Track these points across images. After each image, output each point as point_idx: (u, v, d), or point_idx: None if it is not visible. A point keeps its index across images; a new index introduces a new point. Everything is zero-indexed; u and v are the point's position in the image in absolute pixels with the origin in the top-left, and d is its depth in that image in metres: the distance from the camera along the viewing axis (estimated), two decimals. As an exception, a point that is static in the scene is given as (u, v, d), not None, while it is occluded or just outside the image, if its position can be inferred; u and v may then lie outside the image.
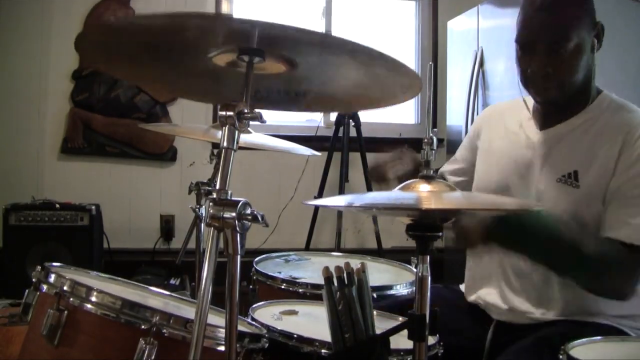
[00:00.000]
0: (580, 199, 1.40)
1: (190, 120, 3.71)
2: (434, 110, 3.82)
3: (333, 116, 3.73)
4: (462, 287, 1.69)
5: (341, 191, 3.44)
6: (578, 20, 1.38)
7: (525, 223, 1.27)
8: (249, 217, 0.96)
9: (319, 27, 3.88)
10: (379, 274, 1.89)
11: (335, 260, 1.71)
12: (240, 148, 1.09)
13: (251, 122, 1.01)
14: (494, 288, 1.53)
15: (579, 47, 1.38)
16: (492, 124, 1.67)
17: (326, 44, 1.00)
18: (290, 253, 2.09)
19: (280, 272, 1.80)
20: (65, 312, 1.09)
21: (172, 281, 3.27)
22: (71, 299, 1.10)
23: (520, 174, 1.51)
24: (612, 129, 1.41)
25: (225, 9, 3.79)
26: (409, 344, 1.01)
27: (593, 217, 1.39)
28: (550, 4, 1.38)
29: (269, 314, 1.42)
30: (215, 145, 3.14)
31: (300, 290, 1.65)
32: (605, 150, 1.39)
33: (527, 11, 1.42)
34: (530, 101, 1.57)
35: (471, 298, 1.59)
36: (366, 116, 3.62)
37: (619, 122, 1.41)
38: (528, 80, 1.44)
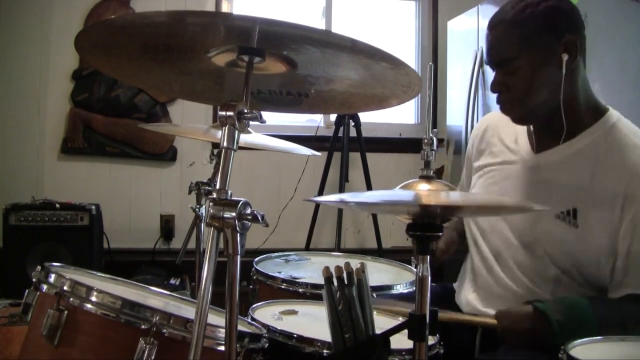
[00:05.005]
0: (579, 240, 1.36)
1: (190, 120, 3.72)
2: (434, 110, 3.82)
3: (333, 116, 3.73)
4: (455, 285, 1.69)
5: (341, 191, 3.44)
6: (528, 37, 1.35)
7: (570, 330, 1.26)
8: (249, 217, 0.96)
9: (319, 27, 3.88)
10: (379, 274, 1.89)
11: (335, 260, 1.71)
12: (240, 148, 1.09)
13: (251, 122, 1.01)
14: (490, 301, 1.53)
15: (532, 64, 1.36)
16: (489, 141, 1.62)
17: (327, 42, 1.00)
18: (290, 253, 2.09)
19: (280, 272, 1.80)
20: (65, 312, 1.09)
21: (172, 281, 3.27)
22: (71, 299, 1.10)
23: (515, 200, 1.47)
24: (614, 164, 1.34)
25: (225, 9, 3.79)
26: (409, 344, 1.01)
27: (591, 259, 1.36)
28: (501, 22, 1.39)
29: (269, 314, 1.42)
30: (215, 145, 3.14)
31: (300, 290, 1.65)
32: (606, 191, 1.33)
33: (486, 29, 1.43)
34: None
35: (460, 307, 1.59)
36: (366, 116, 3.62)
37: (622, 159, 1.34)
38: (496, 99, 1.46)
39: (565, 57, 1.35)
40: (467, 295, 1.57)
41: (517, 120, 1.46)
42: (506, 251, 1.48)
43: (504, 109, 1.45)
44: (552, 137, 1.43)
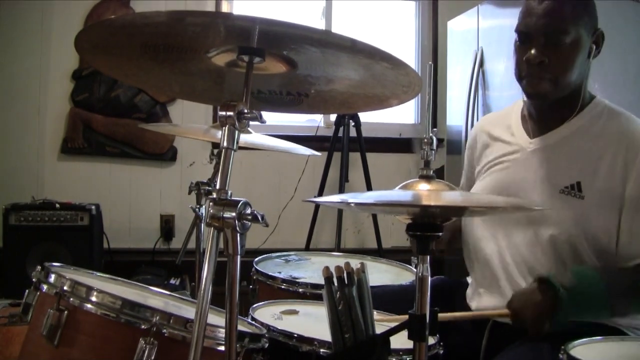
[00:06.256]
0: (587, 210, 1.39)
1: (190, 120, 3.72)
2: (434, 110, 3.82)
3: (333, 116, 3.73)
4: (468, 279, 1.68)
5: (341, 191, 3.44)
6: (578, 16, 1.39)
7: (579, 297, 1.28)
8: (249, 217, 0.96)
9: (319, 27, 3.89)
10: (379, 274, 1.89)
11: (335, 260, 1.71)
12: (240, 148, 1.09)
13: (251, 122, 1.01)
14: (496, 295, 1.52)
15: (576, 43, 1.39)
16: (485, 139, 1.64)
17: (327, 42, 1.00)
18: (290, 253, 2.09)
19: (280, 272, 1.80)
20: (65, 312, 1.09)
21: (172, 281, 3.27)
22: (71, 299, 1.10)
23: (521, 188, 1.49)
24: (612, 135, 1.41)
25: (225, 9, 3.79)
26: (409, 344, 1.01)
27: (601, 228, 1.39)
28: None
29: (269, 314, 1.42)
30: (215, 145, 3.14)
31: (300, 290, 1.65)
32: (607, 159, 1.39)
33: (531, 1, 1.43)
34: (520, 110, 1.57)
35: (473, 305, 1.59)
36: (366, 116, 3.61)
37: (618, 129, 1.42)
38: (523, 70, 1.44)
39: (593, 47, 1.43)
40: (483, 296, 1.57)
41: (540, 96, 1.45)
42: (519, 239, 1.49)
43: (534, 82, 1.43)
44: (549, 122, 1.48)
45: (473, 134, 1.73)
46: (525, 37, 1.43)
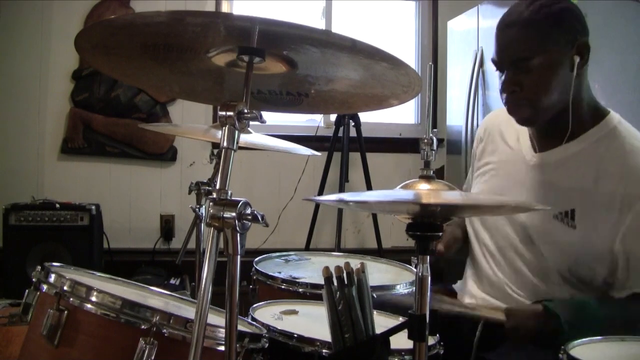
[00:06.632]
0: (579, 241, 1.37)
1: (190, 120, 3.72)
2: (434, 110, 3.83)
3: (333, 116, 3.73)
4: (455, 287, 1.69)
5: (341, 191, 3.44)
6: (545, 37, 1.35)
7: (576, 330, 1.25)
8: (249, 217, 0.96)
9: (319, 27, 3.89)
10: (379, 274, 1.89)
11: (335, 260, 1.71)
12: (240, 148, 1.09)
13: (251, 122, 1.01)
14: (490, 288, 1.53)
15: (548, 65, 1.35)
16: (491, 140, 1.63)
17: (327, 42, 1.00)
18: (290, 253, 2.09)
19: (280, 272, 1.80)
20: (66, 312, 1.09)
21: (172, 281, 3.28)
22: (71, 299, 1.10)
23: (516, 199, 1.48)
24: (613, 166, 1.36)
25: (225, 9, 3.80)
26: (409, 344, 1.01)
27: (586, 260, 1.37)
28: (516, 21, 1.37)
29: (269, 314, 1.42)
30: (215, 145, 3.14)
31: (300, 290, 1.65)
32: (606, 191, 1.35)
33: (496, 29, 1.41)
34: None
35: (466, 300, 1.59)
36: (366, 116, 3.62)
37: (620, 160, 1.36)
38: (503, 97, 1.43)
39: (577, 59, 1.36)
40: (473, 292, 1.57)
41: (524, 121, 1.44)
42: (510, 248, 1.49)
43: (513, 109, 1.43)
44: (553, 138, 1.44)
45: (483, 126, 1.71)
46: (497, 66, 1.43)
